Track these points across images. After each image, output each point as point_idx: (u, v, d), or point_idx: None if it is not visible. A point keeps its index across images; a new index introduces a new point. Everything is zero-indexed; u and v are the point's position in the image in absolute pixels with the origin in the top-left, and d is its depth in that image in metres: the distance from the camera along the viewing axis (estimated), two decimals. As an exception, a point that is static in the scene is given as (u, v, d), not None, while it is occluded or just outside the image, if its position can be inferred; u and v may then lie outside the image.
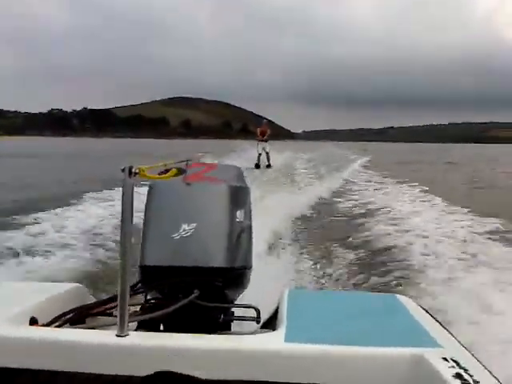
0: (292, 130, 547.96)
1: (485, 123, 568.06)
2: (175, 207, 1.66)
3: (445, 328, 1.43)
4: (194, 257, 1.59)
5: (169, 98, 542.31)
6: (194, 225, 1.61)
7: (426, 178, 15.69)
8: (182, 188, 1.69)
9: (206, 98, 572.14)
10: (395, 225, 7.51)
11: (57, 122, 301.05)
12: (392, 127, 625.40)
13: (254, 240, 1.87)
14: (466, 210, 8.73)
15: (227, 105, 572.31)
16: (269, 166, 20.88)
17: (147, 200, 1.70)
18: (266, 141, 21.71)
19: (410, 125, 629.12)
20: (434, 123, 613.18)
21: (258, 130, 22.27)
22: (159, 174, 1.51)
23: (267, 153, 21.40)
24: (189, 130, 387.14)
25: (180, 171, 1.61)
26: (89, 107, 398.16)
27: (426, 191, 11.74)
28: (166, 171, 1.55)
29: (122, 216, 1.26)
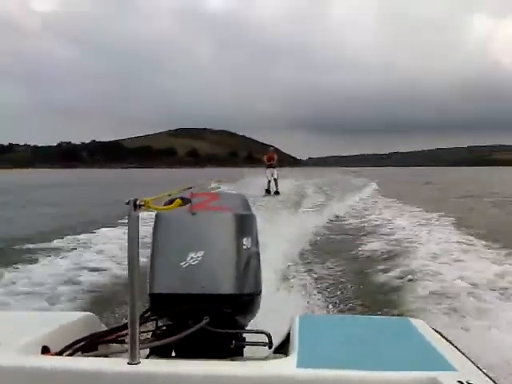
0: (298, 157, 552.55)
1: (486, 146, 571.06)
2: (182, 236, 1.70)
3: (460, 351, 1.43)
4: (202, 284, 1.61)
5: (175, 129, 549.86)
6: (202, 253, 1.64)
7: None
8: (188, 217, 1.72)
9: (211, 128, 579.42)
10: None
11: (66, 155, 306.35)
12: (398, 152, 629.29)
13: (262, 265, 1.89)
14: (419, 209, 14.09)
15: (232, 134, 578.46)
16: (277, 192, 21.00)
17: (154, 229, 1.74)
18: (274, 167, 21.81)
19: (415, 150, 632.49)
20: (438, 147, 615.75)
21: (266, 157, 22.59)
22: (164, 205, 1.61)
23: (275, 179, 21.54)
24: (196, 159, 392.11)
25: (184, 201, 1.69)
26: (97, 140, 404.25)
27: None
28: (171, 202, 1.63)
29: (128, 247, 1.28)
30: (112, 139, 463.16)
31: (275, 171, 21.82)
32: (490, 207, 17.40)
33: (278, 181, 21.72)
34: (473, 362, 1.32)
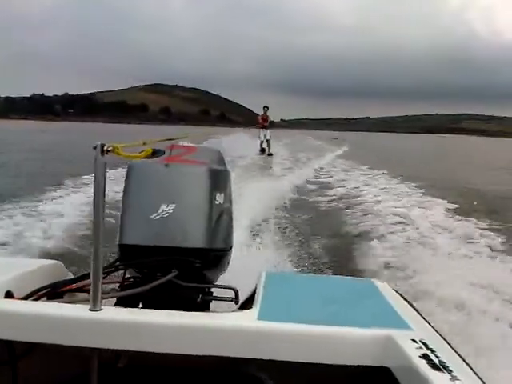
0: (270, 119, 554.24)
1: (457, 115, 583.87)
2: (154, 188, 1.67)
3: (418, 312, 1.48)
4: (172, 237, 1.61)
5: (147, 85, 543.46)
6: (173, 206, 1.63)
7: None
8: (162, 169, 1.69)
9: (183, 86, 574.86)
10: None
11: (40, 107, 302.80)
12: (368, 117, 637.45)
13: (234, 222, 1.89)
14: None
15: (205, 92, 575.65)
16: (270, 154, 21.15)
17: (126, 180, 1.70)
18: (266, 127, 21.87)
19: (386, 115, 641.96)
20: (408, 114, 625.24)
21: (260, 117, 22.35)
22: (135, 153, 1.54)
23: (268, 140, 21.70)
24: (169, 117, 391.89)
25: (157, 152, 1.67)
26: (69, 93, 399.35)
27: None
28: (142, 151, 1.59)
29: (95, 195, 1.26)
30: (85, 92, 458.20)
31: (268, 132, 21.91)
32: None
33: (271, 142, 21.94)
34: (428, 323, 1.39)
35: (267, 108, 23.35)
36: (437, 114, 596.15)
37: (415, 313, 1.47)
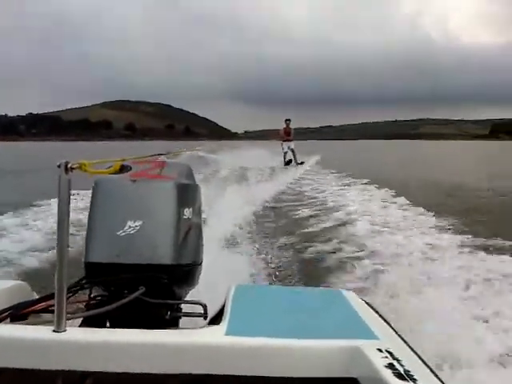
0: (232, 130, 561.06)
1: (416, 120, 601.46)
2: (121, 204, 1.65)
3: (385, 320, 1.50)
4: (139, 254, 1.58)
5: (111, 101, 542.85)
6: (140, 222, 1.60)
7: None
8: (128, 185, 1.67)
9: (147, 101, 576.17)
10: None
11: (3, 128, 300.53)
12: (331, 126, 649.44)
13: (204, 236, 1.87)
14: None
15: (168, 106, 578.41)
16: (302, 162, 21.67)
17: (92, 197, 1.68)
18: (290, 140, 22.01)
19: (349, 123, 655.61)
20: (368, 121, 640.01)
21: (282, 130, 22.46)
22: (102, 170, 1.55)
23: (293, 150, 21.85)
24: (133, 133, 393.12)
25: (124, 168, 1.67)
26: (33, 112, 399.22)
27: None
28: (110, 167, 1.60)
29: (58, 213, 1.24)
30: (48, 111, 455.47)
31: (292, 143, 22.05)
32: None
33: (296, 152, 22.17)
34: (395, 332, 1.40)
35: (289, 121, 23.29)
36: (396, 121, 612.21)
37: (382, 322, 1.48)
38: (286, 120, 23.29)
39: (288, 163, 21.47)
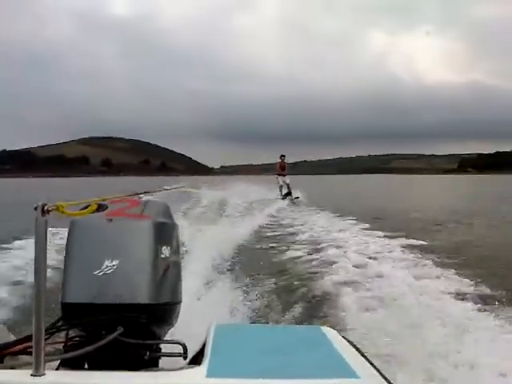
0: (209, 166, 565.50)
1: (388, 155, 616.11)
2: (97, 244, 1.64)
3: (366, 358, 1.49)
4: (116, 293, 1.56)
5: (86, 138, 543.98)
6: (117, 261, 1.59)
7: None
8: (104, 224, 1.67)
9: (123, 137, 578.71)
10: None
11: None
12: (305, 161, 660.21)
13: (183, 275, 1.86)
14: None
15: (144, 143, 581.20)
16: (297, 197, 22.34)
17: (68, 237, 1.67)
18: (284, 175, 22.97)
19: (322, 158, 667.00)
20: (342, 156, 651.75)
21: (278, 165, 23.48)
22: (79, 211, 1.57)
23: (288, 185, 22.70)
24: (110, 168, 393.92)
25: (101, 207, 1.69)
26: (7, 149, 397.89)
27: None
28: (87, 207, 1.61)
29: (35, 256, 1.24)
30: (23, 147, 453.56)
31: (287, 178, 22.98)
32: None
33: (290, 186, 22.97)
34: (377, 370, 1.40)
35: (284, 156, 24.45)
36: (369, 156, 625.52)
37: (363, 360, 1.47)
38: (281, 156, 24.46)
39: (285, 196, 22.40)
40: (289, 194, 22.63)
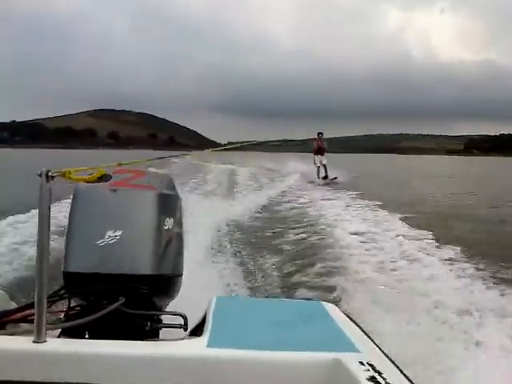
0: (217, 141, 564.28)
1: (397, 134, 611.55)
2: (100, 213, 1.63)
3: (365, 333, 1.51)
4: (119, 264, 1.56)
5: (95, 110, 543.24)
6: (120, 232, 1.59)
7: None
8: (108, 194, 1.65)
9: (131, 110, 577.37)
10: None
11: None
12: (315, 138, 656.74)
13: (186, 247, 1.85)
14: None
15: (152, 116, 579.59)
16: (334, 178, 21.02)
17: (71, 206, 1.66)
18: (322, 154, 21.58)
19: (332, 136, 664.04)
20: (351, 135, 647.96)
21: (315, 144, 21.98)
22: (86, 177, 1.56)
23: (324, 165, 21.40)
24: (116, 141, 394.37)
25: (105, 176, 1.66)
26: (16, 120, 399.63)
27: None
28: (92, 175, 1.60)
29: (39, 222, 1.25)
30: (32, 118, 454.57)
31: (324, 158, 21.62)
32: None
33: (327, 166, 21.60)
34: (376, 345, 1.42)
35: (322, 134, 23.02)
36: (379, 134, 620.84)
37: (363, 335, 1.49)
38: (319, 133, 23.00)
39: (324, 178, 20.99)
40: (326, 177, 21.13)
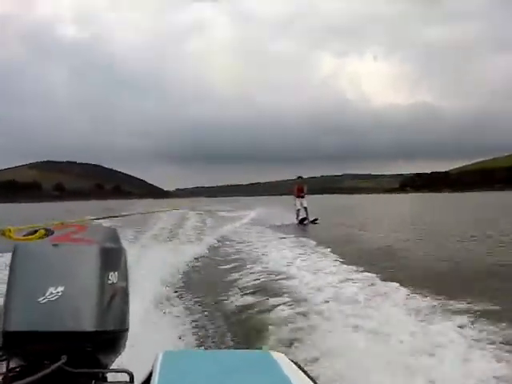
0: (164, 188, 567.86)
1: (340, 175, 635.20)
2: (41, 270, 1.57)
3: (314, 381, 1.50)
4: (61, 321, 1.49)
5: (37, 162, 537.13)
6: (62, 288, 1.53)
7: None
8: (49, 250, 1.61)
9: (76, 161, 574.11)
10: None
11: None
12: (259, 183, 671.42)
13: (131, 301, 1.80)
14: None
15: (98, 167, 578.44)
16: (314, 220, 21.50)
17: (11, 262, 1.59)
18: (303, 197, 22.07)
19: (276, 179, 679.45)
20: (295, 177, 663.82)
21: (295, 188, 22.59)
22: (26, 236, 1.53)
23: (305, 208, 21.87)
24: (62, 193, 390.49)
25: (47, 232, 1.64)
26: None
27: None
28: (35, 232, 1.58)
29: None
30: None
31: (304, 201, 22.13)
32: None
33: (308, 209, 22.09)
34: None
35: (301, 178, 24.09)
36: (322, 176, 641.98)
37: (311, 383, 1.47)
38: (299, 177, 24.16)
39: (302, 221, 21.47)
40: (304, 219, 21.75)
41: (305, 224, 21.35)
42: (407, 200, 75.15)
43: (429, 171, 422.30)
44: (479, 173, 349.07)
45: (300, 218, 21.81)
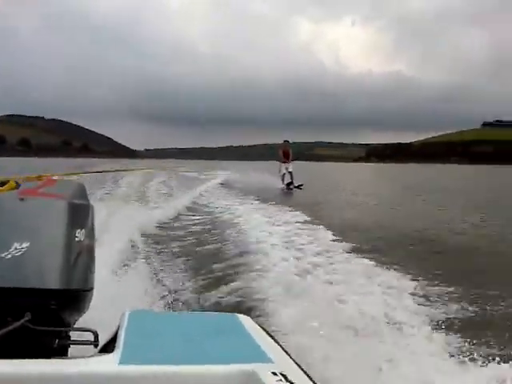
0: (132, 148, 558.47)
1: (312, 142, 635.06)
2: (6, 224, 1.55)
3: (279, 344, 1.51)
4: (25, 278, 1.47)
5: (3, 115, 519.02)
6: (27, 244, 1.50)
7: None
8: (15, 204, 1.58)
9: (43, 116, 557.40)
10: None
11: None
12: (232, 146, 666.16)
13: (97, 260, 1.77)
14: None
15: (67, 123, 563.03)
16: (299, 186, 21.09)
17: None
18: (288, 162, 21.47)
19: (249, 143, 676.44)
20: (268, 142, 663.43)
21: (280, 152, 21.97)
22: None
23: (290, 172, 21.31)
24: (29, 149, 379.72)
25: (16, 185, 1.61)
26: None
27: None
28: (2, 184, 1.57)
29: None
30: None
31: (290, 165, 21.53)
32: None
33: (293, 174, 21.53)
34: (289, 355, 1.43)
35: (287, 141, 23.37)
36: (294, 142, 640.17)
37: (276, 346, 1.49)
38: (285, 141, 23.44)
39: (288, 185, 21.09)
40: (290, 183, 21.30)
41: (290, 189, 21.04)
42: (362, 170, 76.09)
43: (394, 142, 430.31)
44: (441, 145, 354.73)
45: (285, 182, 21.37)
